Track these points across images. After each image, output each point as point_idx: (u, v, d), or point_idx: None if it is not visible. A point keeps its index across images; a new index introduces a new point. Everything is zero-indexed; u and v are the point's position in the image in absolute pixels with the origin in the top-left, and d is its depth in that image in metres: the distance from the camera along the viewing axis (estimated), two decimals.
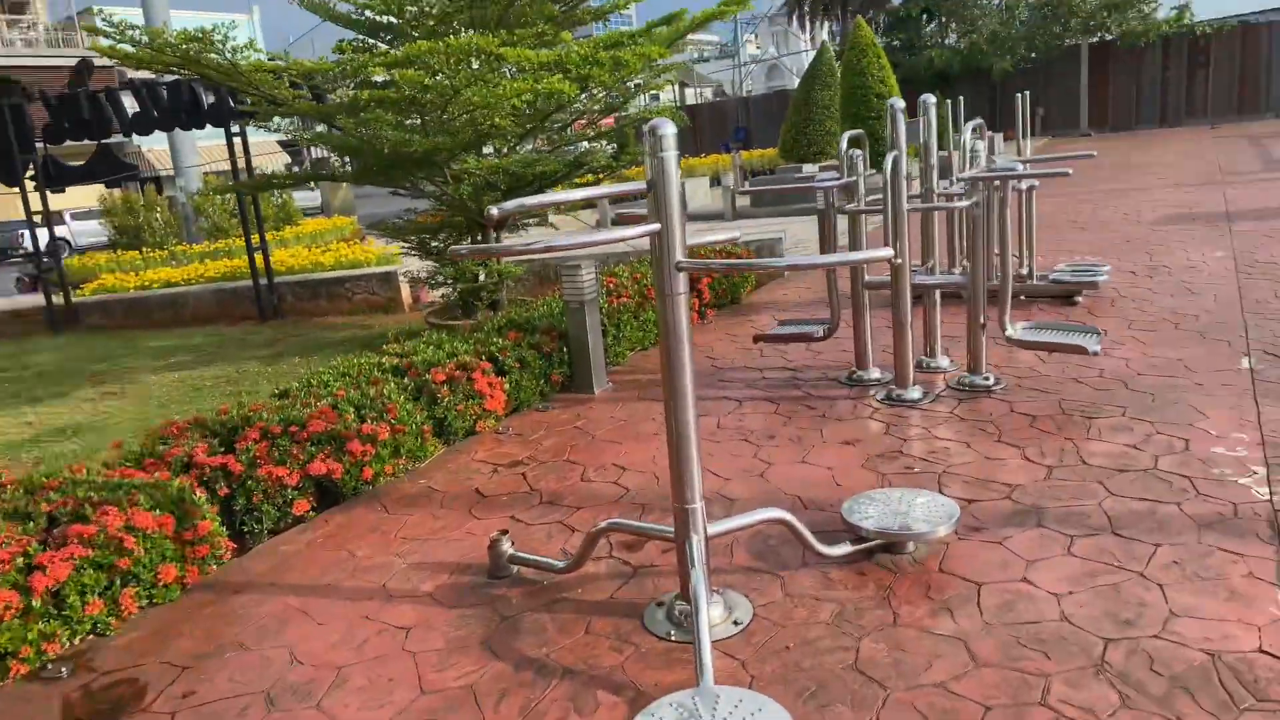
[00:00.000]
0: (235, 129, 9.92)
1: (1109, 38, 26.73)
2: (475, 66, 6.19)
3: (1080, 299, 6.55)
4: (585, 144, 8.01)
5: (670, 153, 2.61)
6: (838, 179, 5.12)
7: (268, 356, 8.35)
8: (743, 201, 16.80)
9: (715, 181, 22.35)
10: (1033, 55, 27.42)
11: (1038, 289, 6.72)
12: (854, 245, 5.15)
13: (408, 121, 6.47)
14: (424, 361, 5.07)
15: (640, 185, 2.70)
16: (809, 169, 16.92)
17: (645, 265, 7.69)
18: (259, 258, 10.19)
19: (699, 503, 2.80)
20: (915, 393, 4.84)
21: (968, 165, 4.62)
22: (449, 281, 7.34)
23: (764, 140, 30.41)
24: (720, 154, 28.13)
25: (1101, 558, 2.98)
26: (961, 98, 7.16)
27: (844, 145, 5.04)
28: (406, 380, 4.92)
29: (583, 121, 8.17)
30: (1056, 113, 27.77)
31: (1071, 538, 3.14)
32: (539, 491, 4.10)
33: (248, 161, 10.35)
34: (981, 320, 4.90)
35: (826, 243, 5.30)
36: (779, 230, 10.65)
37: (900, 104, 4.65)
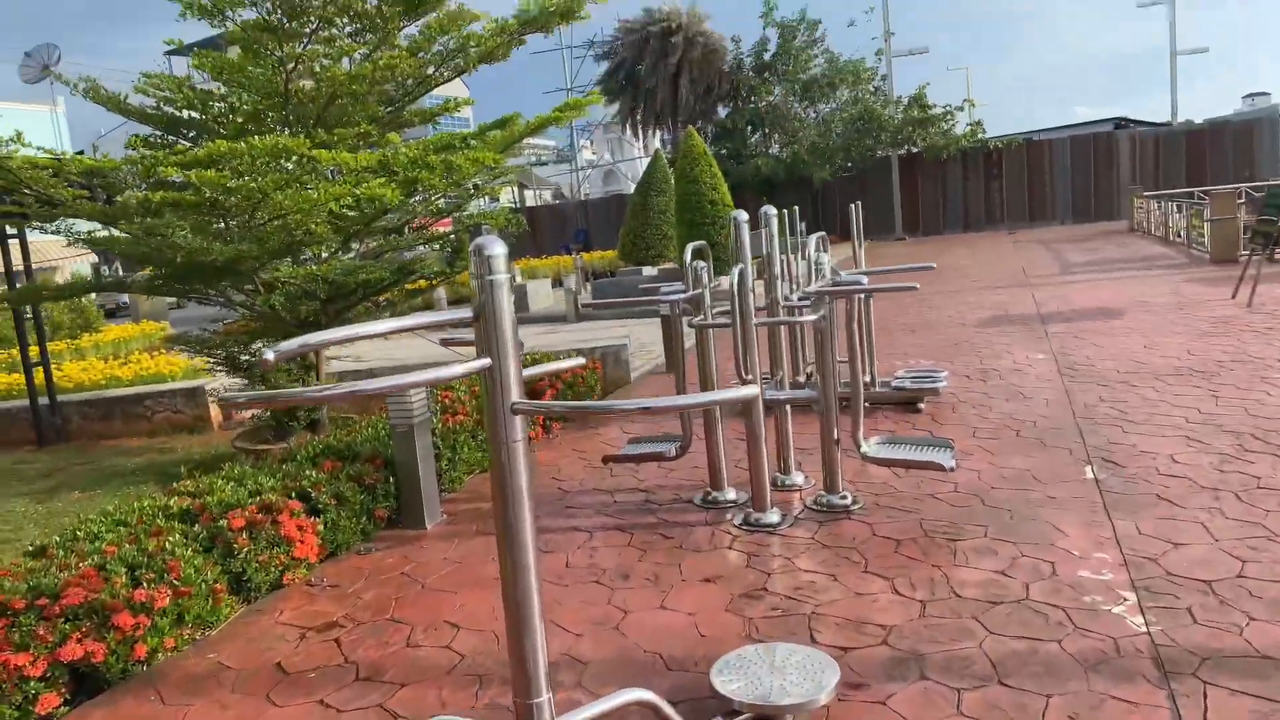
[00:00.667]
0: (12, 231, 8.81)
1: (915, 150, 29.10)
2: (290, 168, 5.66)
3: (923, 405, 6.57)
4: (422, 247, 7.54)
5: (501, 275, 2.22)
6: (682, 290, 4.89)
7: (41, 492, 7.19)
8: (584, 300, 16.67)
9: (557, 283, 22.25)
10: (849, 165, 29.41)
11: (881, 396, 6.72)
12: (703, 358, 4.90)
13: (213, 226, 5.82)
14: (220, 503, 4.34)
15: (466, 314, 2.27)
16: (649, 271, 17.07)
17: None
18: (39, 373, 8.95)
19: (546, 695, 2.31)
20: (774, 516, 4.55)
21: (813, 278, 4.50)
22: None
23: (603, 242, 30.84)
24: (561, 255, 28.23)
25: (993, 715, 2.69)
26: (786, 211, 7.25)
27: (688, 256, 4.83)
28: (197, 528, 4.18)
29: (415, 224, 7.73)
30: (872, 219, 29.69)
31: (959, 691, 2.84)
32: (355, 663, 3.46)
33: (27, 266, 9.19)
34: (835, 435, 4.71)
35: (673, 356, 5.02)
36: (623, 335, 10.44)
37: (743, 216, 4.49)
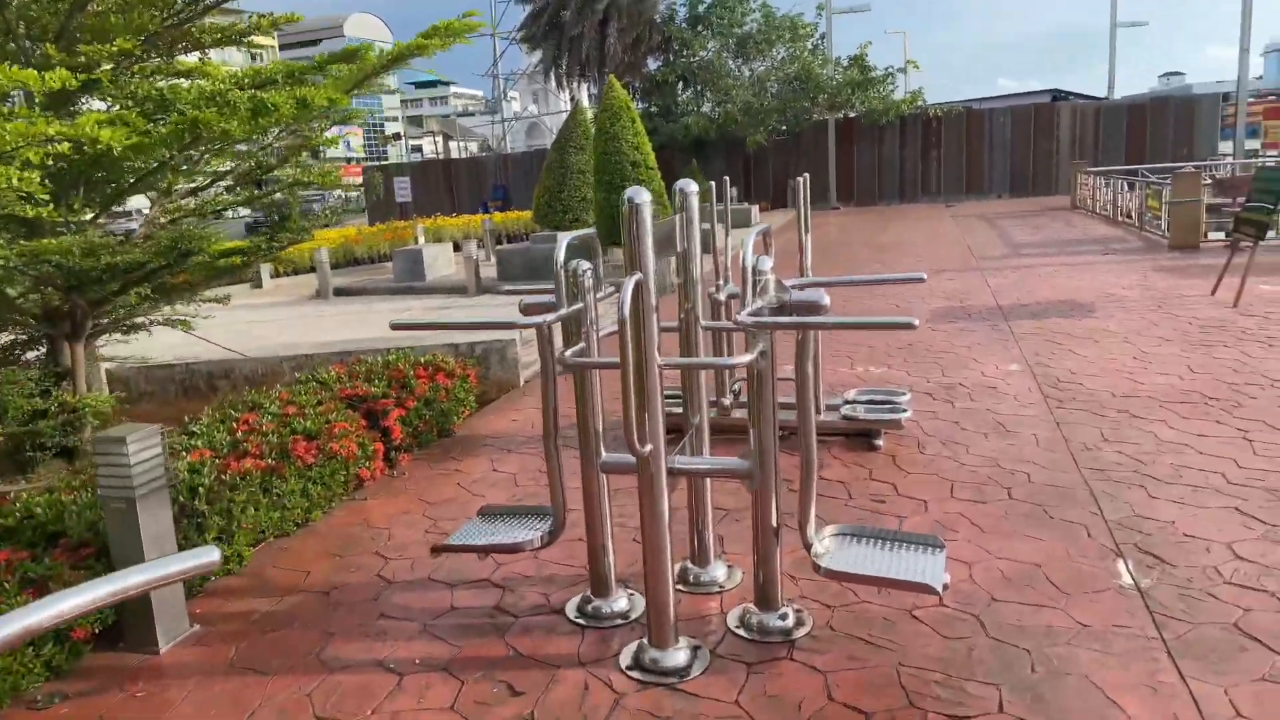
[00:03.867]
0: None
1: (853, 115, 27.71)
2: None
3: (880, 442, 5.09)
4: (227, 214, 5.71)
5: None
6: (553, 305, 3.25)
7: None
8: (489, 272, 14.86)
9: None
10: (784, 128, 27.87)
11: (828, 426, 5.22)
12: (584, 412, 3.28)
13: None
14: None
15: None
16: (564, 238, 15.28)
17: (307, 385, 5.46)
18: None
19: None
20: (680, 655, 3.00)
21: (752, 293, 2.92)
22: None
23: (522, 201, 28.78)
24: (479, 214, 26.16)
25: None
26: (714, 182, 5.65)
27: (561, 256, 3.18)
28: None
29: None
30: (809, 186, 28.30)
31: None
32: None
33: None
34: (774, 521, 3.17)
35: (545, 397, 3.39)
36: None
37: (643, 197, 2.85)
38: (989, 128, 27.32)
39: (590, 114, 17.46)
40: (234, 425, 4.72)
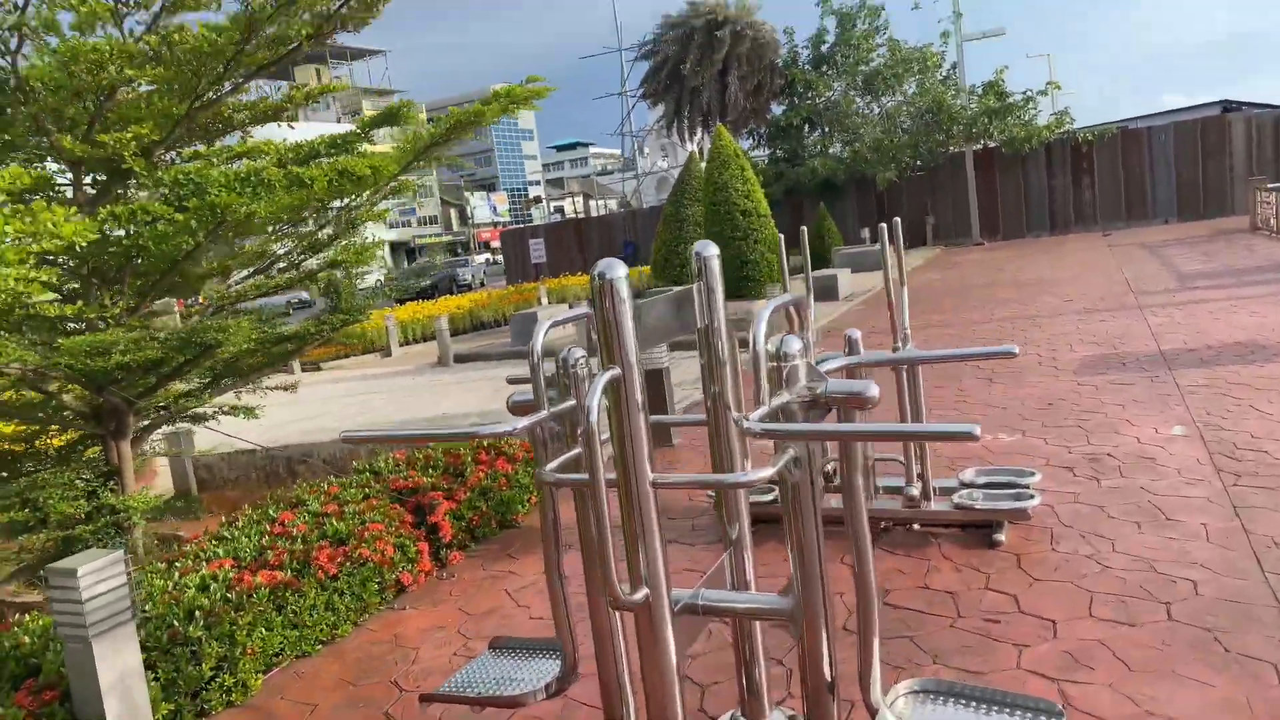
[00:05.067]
0: None
1: (992, 144, 26.11)
2: None
3: (1002, 536, 4.20)
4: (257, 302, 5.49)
5: None
6: (534, 402, 2.66)
7: None
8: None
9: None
10: (917, 163, 26.56)
11: (938, 517, 4.37)
12: (584, 526, 2.67)
13: None
14: None
15: None
16: (545, 317, 14.81)
17: (361, 476, 5.09)
18: None
19: None
20: None
21: (766, 389, 2.25)
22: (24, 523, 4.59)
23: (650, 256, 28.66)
24: None
25: None
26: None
27: (539, 341, 2.59)
28: None
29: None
30: (949, 222, 26.81)
31: None
32: None
33: None
34: (828, 676, 2.43)
35: (549, 542, 2.80)
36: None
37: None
38: (1149, 147, 25.09)
39: (700, 164, 17.10)
40: (268, 527, 4.39)
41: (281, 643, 3.81)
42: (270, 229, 4.79)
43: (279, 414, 8.73)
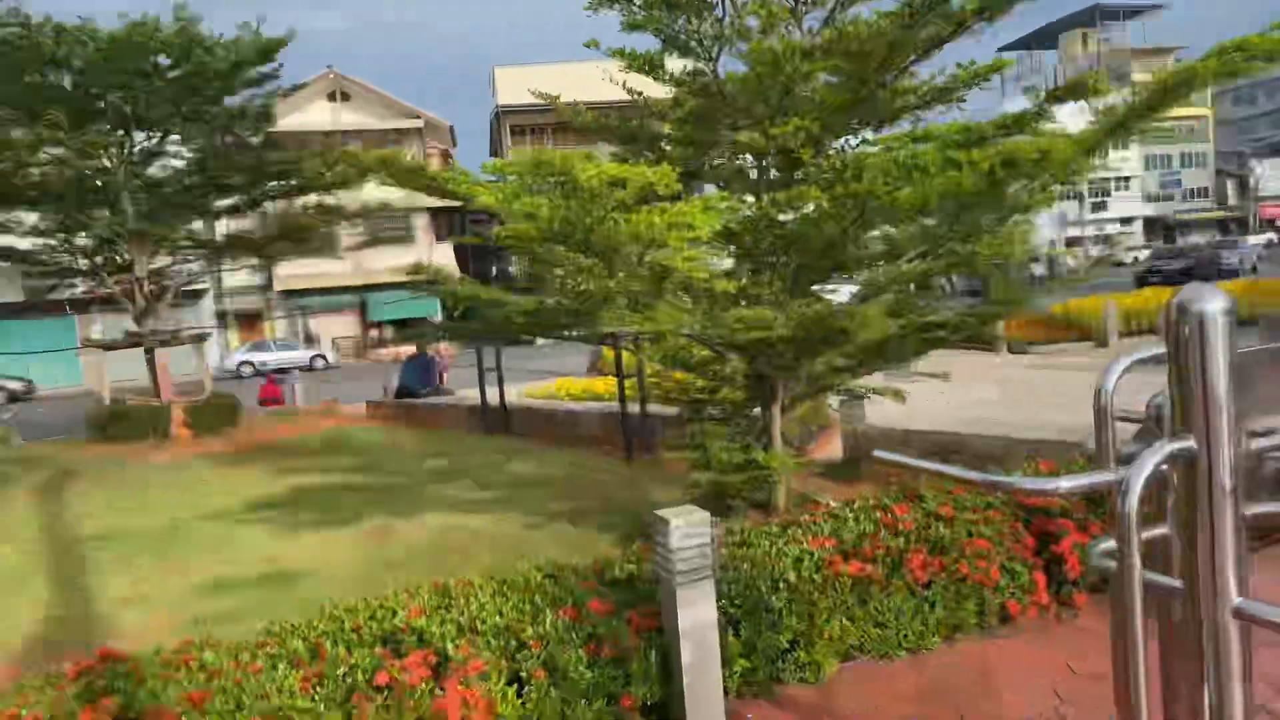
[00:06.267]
0: None
1: None
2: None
3: None
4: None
5: None
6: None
7: (584, 510, 7.07)
8: None
9: None
10: None
11: None
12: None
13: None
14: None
15: None
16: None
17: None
18: (631, 385, 9.20)
19: None
20: None
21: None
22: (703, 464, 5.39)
23: None
24: None
25: None
26: None
27: (1112, 383, 1.94)
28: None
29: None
30: None
31: None
32: None
33: None
34: None
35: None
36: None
37: None
38: None
39: None
40: (879, 515, 4.37)
41: (862, 638, 3.77)
42: (920, 217, 4.63)
43: (956, 397, 8.69)
